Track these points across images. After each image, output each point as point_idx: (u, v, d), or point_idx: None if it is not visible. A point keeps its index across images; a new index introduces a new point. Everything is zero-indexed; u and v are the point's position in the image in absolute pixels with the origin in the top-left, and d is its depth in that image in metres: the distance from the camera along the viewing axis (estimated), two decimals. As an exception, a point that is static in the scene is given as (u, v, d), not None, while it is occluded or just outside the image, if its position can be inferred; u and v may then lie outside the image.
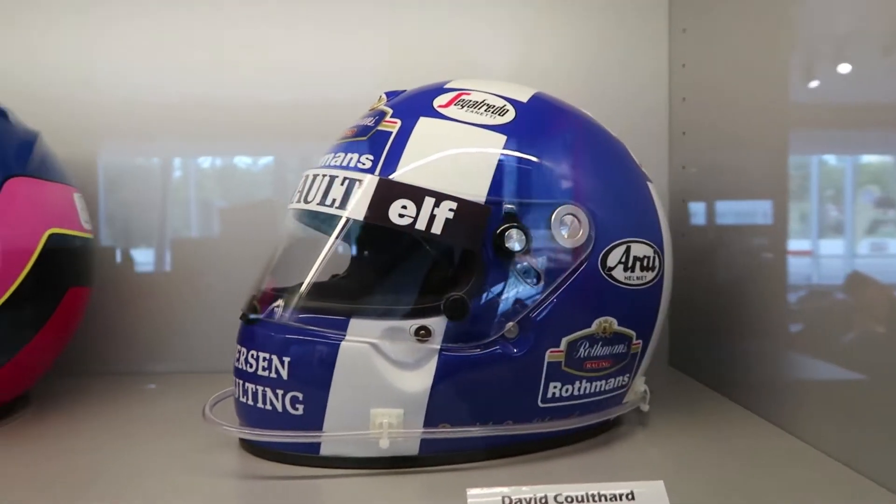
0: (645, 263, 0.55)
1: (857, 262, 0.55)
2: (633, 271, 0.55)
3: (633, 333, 0.56)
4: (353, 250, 0.65)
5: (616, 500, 0.40)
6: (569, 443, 0.56)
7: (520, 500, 0.40)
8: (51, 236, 0.62)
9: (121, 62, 0.83)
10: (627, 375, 0.57)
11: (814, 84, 0.59)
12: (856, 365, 0.52)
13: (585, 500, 0.40)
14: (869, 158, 0.56)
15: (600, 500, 0.40)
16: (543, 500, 0.40)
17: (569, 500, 0.40)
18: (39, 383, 0.70)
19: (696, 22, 0.80)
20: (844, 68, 0.56)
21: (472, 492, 0.40)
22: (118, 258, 0.84)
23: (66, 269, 0.65)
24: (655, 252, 0.56)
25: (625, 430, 0.60)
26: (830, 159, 0.61)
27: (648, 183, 0.60)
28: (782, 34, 0.62)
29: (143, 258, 0.86)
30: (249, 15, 0.85)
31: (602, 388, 0.55)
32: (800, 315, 0.60)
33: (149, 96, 0.84)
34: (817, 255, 0.59)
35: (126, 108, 0.83)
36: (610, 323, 0.54)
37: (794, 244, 0.62)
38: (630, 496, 0.40)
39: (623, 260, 0.54)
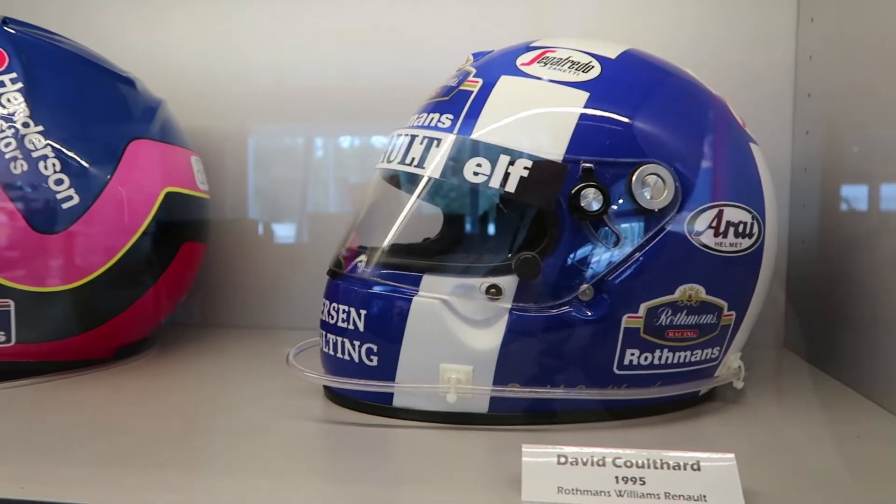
0: (740, 230, 0.52)
1: None
2: (725, 237, 0.51)
3: (725, 304, 0.52)
4: (442, 212, 0.66)
5: (679, 468, 0.38)
6: (650, 413, 0.53)
7: (576, 461, 0.39)
8: (168, 195, 0.67)
9: (273, 49, 0.88)
10: (718, 348, 0.54)
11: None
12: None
13: (647, 465, 0.39)
14: None
15: (662, 468, 0.38)
16: (601, 463, 0.39)
17: (628, 464, 0.39)
18: (163, 329, 0.77)
19: (826, 10, 0.72)
20: None
21: (527, 448, 0.40)
22: (260, 230, 0.90)
23: (181, 224, 0.71)
24: (755, 218, 0.52)
25: (716, 405, 0.57)
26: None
27: (752, 144, 0.55)
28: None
29: (285, 231, 0.91)
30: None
31: (687, 359, 0.52)
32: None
33: (296, 80, 0.87)
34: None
35: (275, 91, 0.88)
36: (696, 291, 0.51)
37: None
38: (696, 466, 0.38)
39: (714, 224, 0.51)
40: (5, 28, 0.64)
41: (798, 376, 0.68)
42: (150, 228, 0.65)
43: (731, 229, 0.51)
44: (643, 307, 0.50)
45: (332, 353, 0.55)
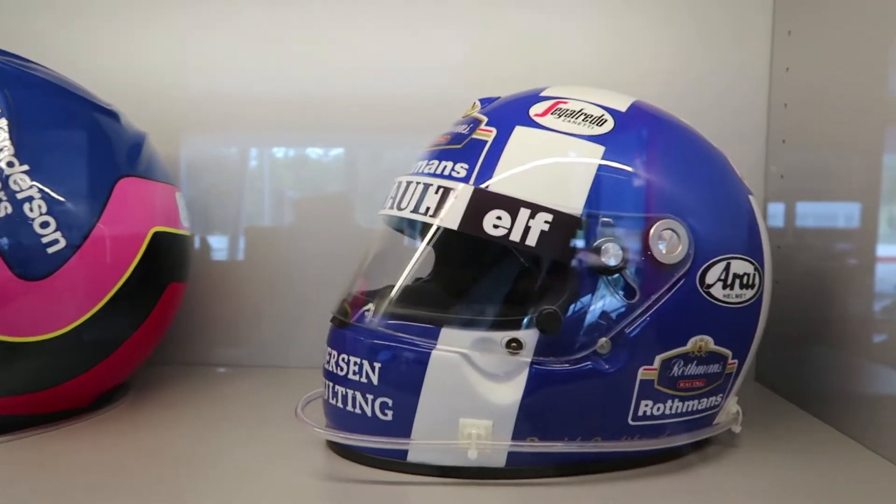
0: (745, 281, 0.53)
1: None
2: (732, 289, 0.53)
3: (729, 353, 0.54)
4: (439, 255, 0.65)
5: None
6: (657, 462, 0.54)
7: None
8: (155, 234, 0.64)
9: (204, 58, 0.85)
10: (720, 395, 0.55)
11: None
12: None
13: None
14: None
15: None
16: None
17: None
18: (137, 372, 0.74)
19: (803, 24, 0.76)
20: None
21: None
22: (196, 244, 0.86)
23: (167, 265, 0.68)
24: (756, 269, 0.54)
25: (714, 450, 0.58)
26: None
27: (750, 196, 0.58)
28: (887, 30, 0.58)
29: (219, 245, 0.88)
30: (322, 10, 0.85)
31: (694, 408, 0.54)
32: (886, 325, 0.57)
33: (228, 90, 0.85)
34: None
35: (207, 101, 0.85)
36: (706, 342, 0.52)
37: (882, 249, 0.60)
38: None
39: (722, 277, 0.52)
40: (-19, 57, 0.60)
41: (777, 414, 0.70)
42: (136, 271, 0.62)
43: (737, 281, 0.53)
44: (658, 359, 0.51)
45: (340, 405, 0.53)
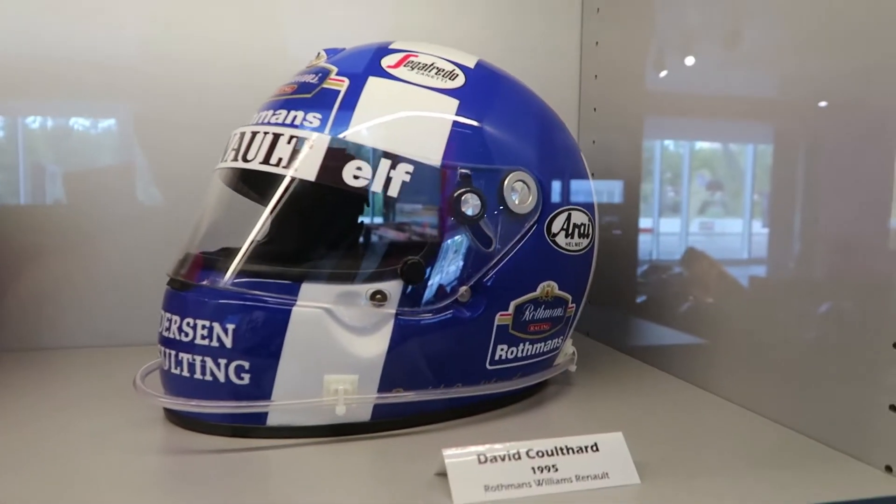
0: (582, 230, 0.58)
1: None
2: (572, 238, 0.57)
3: (570, 297, 0.58)
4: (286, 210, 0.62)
5: (583, 451, 0.42)
6: (509, 403, 0.57)
7: (494, 458, 0.41)
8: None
9: None
10: (561, 338, 0.60)
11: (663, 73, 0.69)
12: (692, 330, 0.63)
13: (555, 453, 0.42)
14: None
15: (568, 453, 0.42)
16: (517, 456, 0.41)
17: (539, 454, 0.41)
18: None
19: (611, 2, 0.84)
20: (689, 60, 0.66)
21: (447, 452, 0.41)
22: None
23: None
24: (590, 220, 0.59)
25: (554, 389, 0.63)
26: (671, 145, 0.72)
27: (582, 155, 0.62)
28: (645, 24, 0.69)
29: None
30: None
31: (541, 350, 0.57)
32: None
33: None
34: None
35: None
36: (552, 287, 0.56)
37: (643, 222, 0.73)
38: (594, 447, 0.42)
39: (565, 227, 0.56)
40: None
41: (594, 353, 0.78)
42: None
43: (576, 230, 0.57)
44: (513, 304, 0.53)
45: (185, 373, 0.49)
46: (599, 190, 0.76)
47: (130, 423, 0.52)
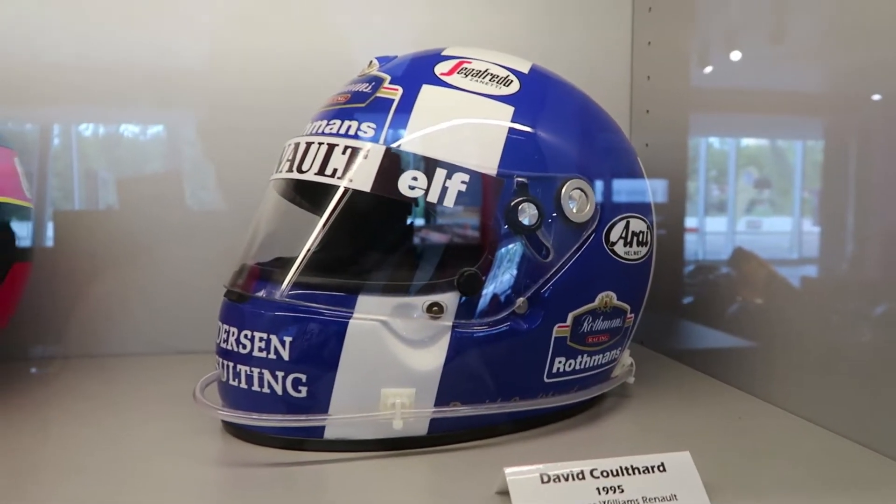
0: (640, 238, 0.56)
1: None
2: (630, 246, 0.55)
3: (628, 307, 0.56)
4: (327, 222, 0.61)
5: (649, 471, 0.40)
6: (566, 417, 0.56)
7: (558, 477, 0.39)
8: (-7, 205, 0.55)
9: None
10: (619, 349, 0.58)
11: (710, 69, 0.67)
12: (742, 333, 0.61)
13: (620, 473, 0.40)
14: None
15: (634, 473, 0.40)
16: (581, 476, 0.40)
17: (604, 474, 0.40)
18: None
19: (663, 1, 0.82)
20: (735, 55, 0.64)
21: (509, 470, 0.40)
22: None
23: (8, 242, 0.58)
24: (648, 227, 0.57)
25: (612, 402, 0.61)
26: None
27: (638, 158, 0.60)
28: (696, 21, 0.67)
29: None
30: None
31: (599, 362, 0.56)
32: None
33: (24, 58, 0.74)
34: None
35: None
36: (610, 297, 0.54)
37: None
38: (661, 467, 0.41)
39: (623, 235, 0.54)
40: None
41: (646, 362, 0.75)
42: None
43: (635, 238, 0.55)
44: (571, 316, 0.52)
45: (242, 385, 0.49)
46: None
47: (189, 431, 0.52)
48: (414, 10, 0.83)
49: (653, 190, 0.75)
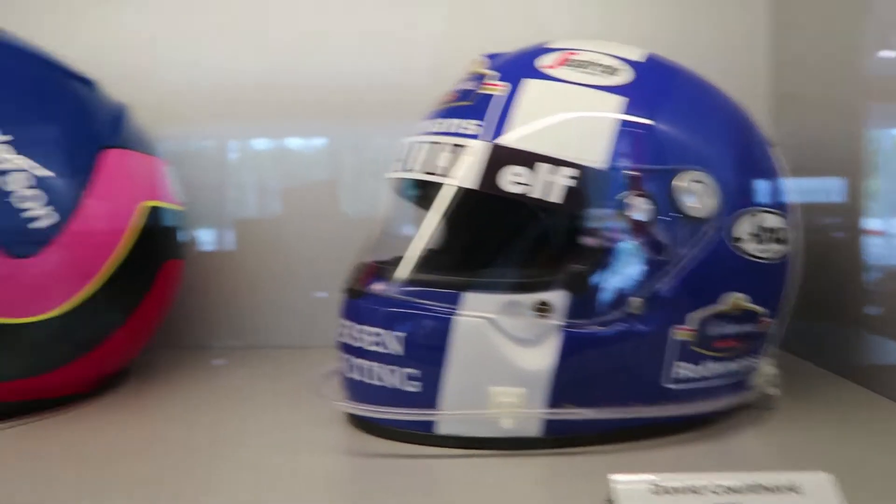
0: (776, 235, 0.51)
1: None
2: (762, 243, 0.50)
3: (764, 311, 0.52)
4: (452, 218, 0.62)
5: (779, 491, 0.37)
6: (693, 428, 0.52)
7: (670, 489, 0.37)
8: (146, 209, 0.61)
9: (179, 44, 0.81)
10: (754, 357, 0.53)
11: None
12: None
13: (743, 490, 0.37)
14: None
15: (760, 492, 0.37)
16: (696, 490, 0.37)
17: (724, 490, 0.37)
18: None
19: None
20: None
21: (616, 478, 0.38)
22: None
23: (161, 241, 0.64)
24: (784, 223, 0.52)
25: (752, 414, 0.56)
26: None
27: (772, 148, 0.55)
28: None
29: (206, 237, 0.84)
30: None
31: (730, 370, 0.51)
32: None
33: (205, 78, 0.81)
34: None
35: (182, 93, 0.81)
36: (740, 299, 0.50)
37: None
38: (795, 489, 0.37)
39: (752, 231, 0.50)
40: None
41: (802, 375, 0.69)
42: (128, 248, 0.58)
43: (768, 235, 0.51)
44: (692, 318, 0.48)
45: (360, 378, 0.51)
46: (811, 188, 0.68)
47: (312, 420, 0.55)
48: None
49: (816, 187, 0.69)
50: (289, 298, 0.83)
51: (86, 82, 0.62)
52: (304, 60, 0.81)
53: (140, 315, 0.61)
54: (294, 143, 0.85)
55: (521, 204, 0.48)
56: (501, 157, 0.48)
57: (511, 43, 0.68)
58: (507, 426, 0.46)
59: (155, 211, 0.62)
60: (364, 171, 0.84)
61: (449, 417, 0.48)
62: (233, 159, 0.85)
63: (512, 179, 0.47)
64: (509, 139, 0.48)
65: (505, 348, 0.47)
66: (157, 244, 0.63)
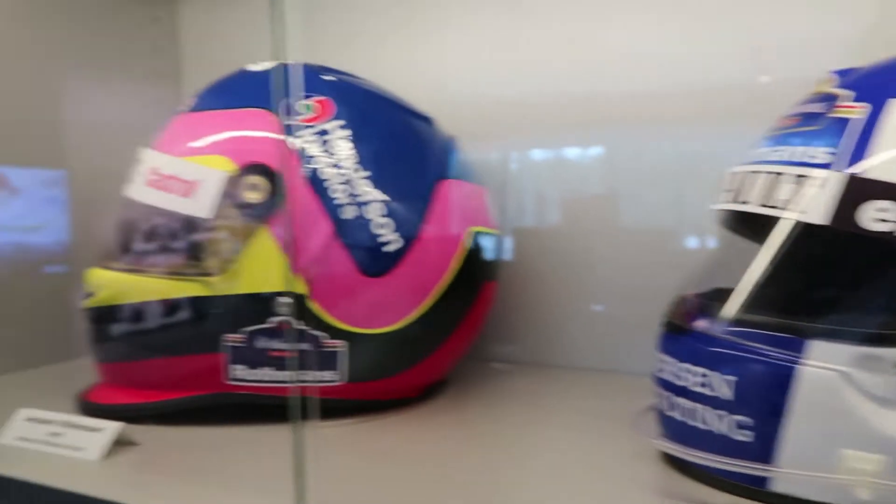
0: None
1: None
2: None
3: None
4: (773, 257, 0.57)
5: None
6: None
7: None
8: (472, 234, 0.66)
9: (464, 68, 0.87)
10: None
11: None
12: None
13: None
14: None
15: None
16: None
17: None
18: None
19: None
20: None
21: None
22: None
23: (483, 263, 0.69)
24: None
25: None
26: None
27: None
28: None
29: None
30: (574, 5, 0.81)
31: None
32: None
33: (485, 96, 0.85)
34: None
35: (466, 107, 0.85)
36: None
37: None
38: None
39: None
40: (324, 77, 0.66)
41: None
42: (457, 270, 0.64)
43: None
44: None
45: (681, 418, 0.49)
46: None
47: (622, 452, 0.55)
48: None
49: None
50: (565, 312, 0.83)
51: (426, 120, 0.70)
52: (577, 74, 0.82)
53: (462, 330, 0.68)
54: (571, 153, 0.85)
55: (882, 242, 0.42)
56: (862, 190, 0.42)
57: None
58: (864, 497, 0.41)
59: (478, 235, 0.67)
60: (642, 181, 0.81)
61: (789, 476, 0.44)
62: (513, 169, 0.88)
63: (875, 216, 0.42)
64: (873, 169, 0.43)
65: (862, 407, 0.42)
66: (480, 266, 0.69)
